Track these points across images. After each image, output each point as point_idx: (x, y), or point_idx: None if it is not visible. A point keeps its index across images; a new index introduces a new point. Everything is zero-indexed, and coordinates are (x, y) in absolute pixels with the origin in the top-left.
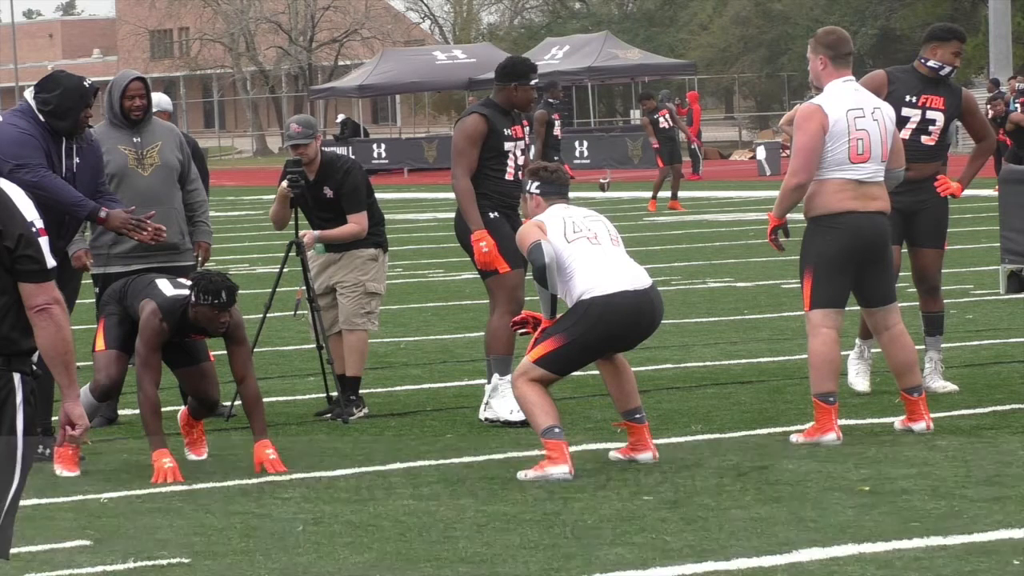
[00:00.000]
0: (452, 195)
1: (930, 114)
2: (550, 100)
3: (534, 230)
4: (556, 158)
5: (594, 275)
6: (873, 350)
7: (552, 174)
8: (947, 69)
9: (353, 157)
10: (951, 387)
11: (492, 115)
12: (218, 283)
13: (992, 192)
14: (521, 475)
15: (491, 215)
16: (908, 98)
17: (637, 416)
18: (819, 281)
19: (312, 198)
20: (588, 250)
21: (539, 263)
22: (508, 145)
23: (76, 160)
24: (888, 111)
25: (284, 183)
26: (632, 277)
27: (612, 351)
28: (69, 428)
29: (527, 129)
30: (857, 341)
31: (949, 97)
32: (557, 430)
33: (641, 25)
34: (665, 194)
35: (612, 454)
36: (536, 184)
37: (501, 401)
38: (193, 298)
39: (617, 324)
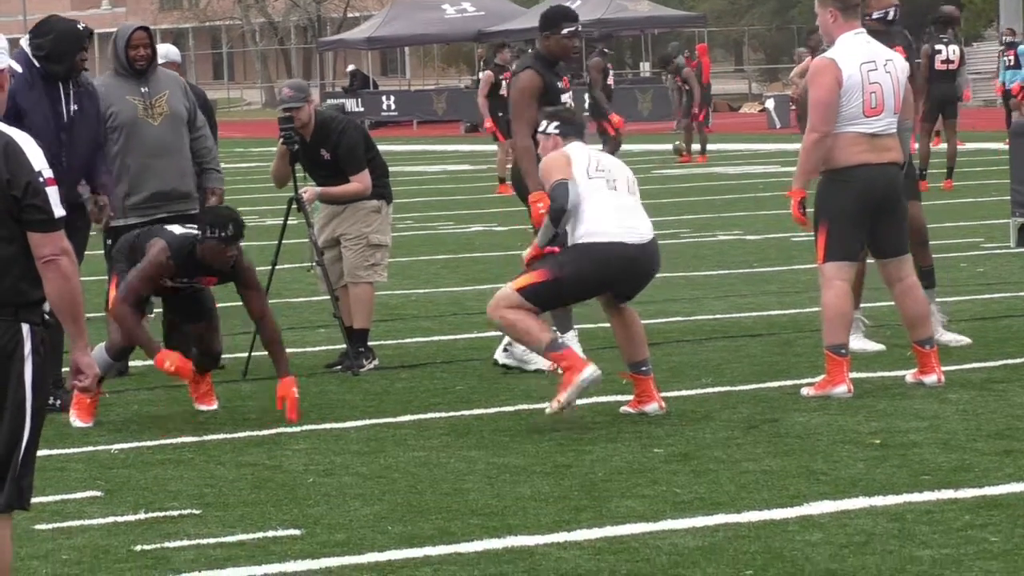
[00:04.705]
0: (461, 147)
1: None
2: (605, 50)
3: (561, 163)
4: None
5: (600, 219)
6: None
7: (571, 115)
8: (891, 12)
9: (349, 115)
10: (964, 340)
11: (542, 70)
12: (225, 216)
13: (1003, 145)
14: (552, 406)
15: None
16: None
17: (643, 368)
18: (834, 234)
19: (310, 160)
20: (602, 193)
21: (560, 204)
22: (564, 98)
23: (74, 107)
24: (900, 63)
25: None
26: (635, 228)
27: (599, 296)
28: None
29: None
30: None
31: (904, 43)
32: (560, 340)
33: None
34: (697, 147)
35: (623, 408)
36: (555, 124)
37: (532, 355)
38: (200, 233)
39: (610, 273)
